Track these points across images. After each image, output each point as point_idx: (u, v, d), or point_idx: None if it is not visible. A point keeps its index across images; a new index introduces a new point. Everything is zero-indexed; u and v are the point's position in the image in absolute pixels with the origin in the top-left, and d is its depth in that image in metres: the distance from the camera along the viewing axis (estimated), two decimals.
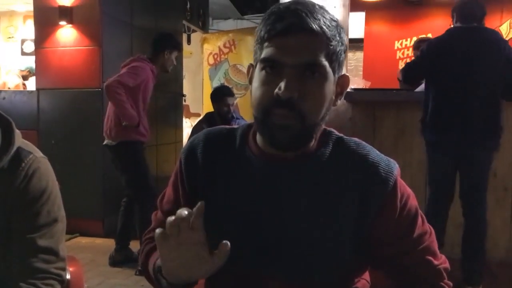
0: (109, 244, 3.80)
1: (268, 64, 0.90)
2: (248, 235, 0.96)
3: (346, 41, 0.95)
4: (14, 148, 1.13)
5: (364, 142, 1.00)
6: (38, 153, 1.19)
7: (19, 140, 1.16)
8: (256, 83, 0.93)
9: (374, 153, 0.97)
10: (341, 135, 1.01)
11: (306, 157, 0.96)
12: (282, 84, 0.87)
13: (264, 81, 0.91)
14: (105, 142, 3.50)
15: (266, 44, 0.91)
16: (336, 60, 0.92)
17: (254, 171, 0.98)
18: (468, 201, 2.98)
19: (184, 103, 6.30)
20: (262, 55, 0.91)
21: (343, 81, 0.98)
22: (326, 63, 0.90)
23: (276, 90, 0.88)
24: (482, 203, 2.97)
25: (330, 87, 0.93)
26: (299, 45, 0.88)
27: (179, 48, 3.73)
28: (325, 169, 0.95)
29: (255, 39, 0.96)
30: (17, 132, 1.17)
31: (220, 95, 4.10)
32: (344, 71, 0.99)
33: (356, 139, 1.00)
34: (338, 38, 0.91)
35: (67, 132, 4.32)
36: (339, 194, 0.93)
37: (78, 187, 4.12)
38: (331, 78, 0.92)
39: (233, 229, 0.97)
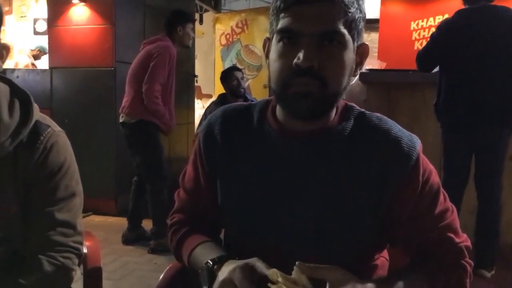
0: (122, 222, 3.83)
1: (285, 35, 0.88)
2: (268, 211, 0.96)
3: (364, 9, 0.92)
4: (33, 121, 1.13)
5: (386, 117, 0.98)
6: (56, 127, 1.18)
7: (37, 114, 1.16)
8: (273, 55, 0.91)
9: (397, 128, 0.95)
10: (363, 110, 1.00)
11: (327, 132, 0.95)
12: (301, 54, 0.85)
13: (282, 53, 0.89)
14: (121, 120, 3.49)
15: (282, 14, 0.89)
16: (355, 28, 0.90)
17: (273, 146, 0.97)
18: (483, 185, 2.96)
19: (196, 84, 6.27)
20: (279, 26, 0.89)
21: (363, 50, 0.95)
22: (345, 31, 0.87)
23: (295, 60, 0.86)
24: (497, 187, 2.94)
25: (350, 55, 0.90)
26: (317, 14, 0.86)
27: (190, 19, 3.69)
28: (347, 144, 0.94)
29: (271, 10, 0.93)
30: (35, 106, 1.17)
31: (227, 72, 4.17)
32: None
33: (378, 114, 0.98)
34: (356, 5, 0.88)
35: (80, 111, 4.33)
36: (360, 169, 0.92)
37: (91, 166, 4.12)
38: (351, 46, 0.90)
39: (253, 205, 0.97)
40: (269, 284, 0.80)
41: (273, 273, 0.80)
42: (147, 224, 3.64)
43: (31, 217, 1.13)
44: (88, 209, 4.22)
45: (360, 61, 0.96)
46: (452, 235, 0.95)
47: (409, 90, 3.38)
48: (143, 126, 3.41)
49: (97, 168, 4.24)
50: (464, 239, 0.98)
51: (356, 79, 3.63)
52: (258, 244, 0.95)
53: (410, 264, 0.99)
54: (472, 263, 0.98)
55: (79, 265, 1.20)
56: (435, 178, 0.96)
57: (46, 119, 1.19)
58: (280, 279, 0.78)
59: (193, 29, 3.79)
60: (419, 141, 0.95)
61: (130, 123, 3.43)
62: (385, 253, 1.08)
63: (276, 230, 0.96)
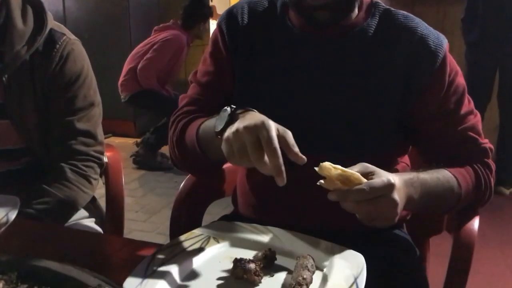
0: None
1: None
2: (287, 106, 0.93)
3: None
4: (48, 29, 1.10)
5: (412, 15, 0.93)
6: (71, 35, 1.16)
7: (52, 22, 1.13)
8: None
9: (423, 26, 0.91)
10: (388, 7, 0.94)
11: (351, 29, 0.91)
12: None
13: None
14: (122, 98, 3.58)
15: None
16: None
17: (295, 42, 0.93)
18: (505, 101, 2.91)
19: (210, 3, 6.08)
20: None
21: None
22: None
23: None
24: None
25: None
26: None
27: (211, 13, 3.76)
28: (372, 41, 0.90)
29: None
30: (49, 13, 1.13)
31: None
32: None
33: (404, 11, 0.93)
34: None
35: (95, 33, 4.24)
36: (385, 67, 0.89)
37: (109, 88, 4.10)
38: None
39: (273, 99, 0.94)
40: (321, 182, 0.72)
41: (323, 167, 0.70)
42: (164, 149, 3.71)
43: (51, 127, 1.13)
44: (108, 131, 4.27)
45: None
46: (476, 136, 0.93)
47: (434, 5, 3.24)
48: (137, 98, 3.47)
49: (115, 90, 4.22)
50: (487, 141, 0.96)
51: None
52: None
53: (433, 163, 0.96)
54: (494, 165, 0.97)
55: (100, 176, 1.22)
56: (461, 79, 0.93)
57: (61, 27, 1.16)
58: (333, 171, 0.70)
59: None
60: (446, 40, 0.91)
61: (126, 100, 3.53)
62: (406, 159, 1.07)
63: (293, 125, 0.93)
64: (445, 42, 0.90)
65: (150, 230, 2.57)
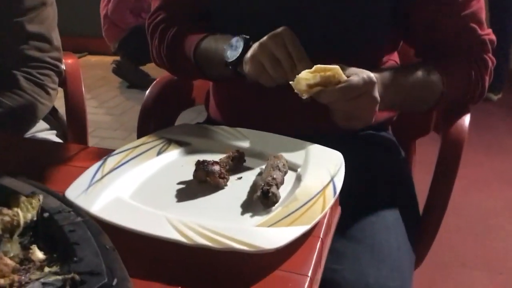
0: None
1: None
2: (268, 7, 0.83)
3: None
4: None
5: None
6: None
7: None
8: None
9: None
10: None
11: None
12: None
13: None
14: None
15: None
16: None
17: None
18: (496, 9, 2.78)
19: None
20: None
21: None
22: None
23: None
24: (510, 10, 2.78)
25: None
26: None
27: None
28: None
29: None
30: None
31: None
32: None
33: None
34: None
35: None
36: None
37: (83, 4, 3.89)
38: None
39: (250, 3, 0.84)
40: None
41: (299, 80, 0.66)
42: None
43: (2, 32, 1.01)
44: (84, 49, 4.07)
45: None
46: (475, 26, 0.82)
47: None
48: (128, 42, 3.24)
49: (90, 6, 3.98)
50: (488, 32, 0.85)
51: None
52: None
53: (423, 59, 0.88)
54: (495, 60, 0.87)
55: (60, 85, 1.11)
56: None
57: None
58: (311, 79, 0.66)
59: None
60: None
61: (117, 50, 3.32)
62: (395, 56, 0.97)
63: (287, 23, 0.81)
64: None
65: None
